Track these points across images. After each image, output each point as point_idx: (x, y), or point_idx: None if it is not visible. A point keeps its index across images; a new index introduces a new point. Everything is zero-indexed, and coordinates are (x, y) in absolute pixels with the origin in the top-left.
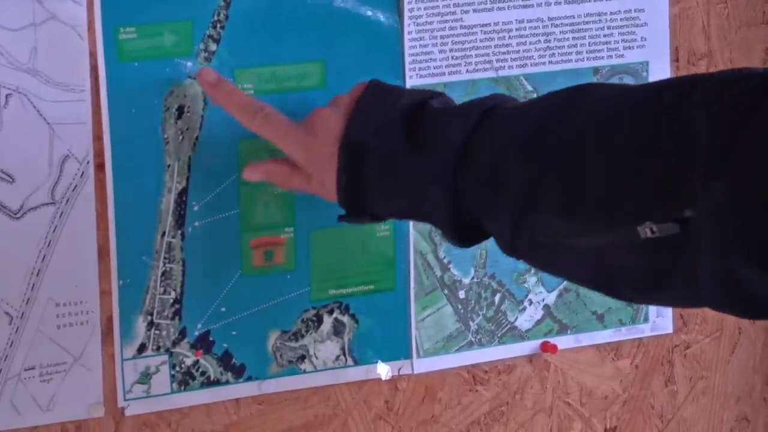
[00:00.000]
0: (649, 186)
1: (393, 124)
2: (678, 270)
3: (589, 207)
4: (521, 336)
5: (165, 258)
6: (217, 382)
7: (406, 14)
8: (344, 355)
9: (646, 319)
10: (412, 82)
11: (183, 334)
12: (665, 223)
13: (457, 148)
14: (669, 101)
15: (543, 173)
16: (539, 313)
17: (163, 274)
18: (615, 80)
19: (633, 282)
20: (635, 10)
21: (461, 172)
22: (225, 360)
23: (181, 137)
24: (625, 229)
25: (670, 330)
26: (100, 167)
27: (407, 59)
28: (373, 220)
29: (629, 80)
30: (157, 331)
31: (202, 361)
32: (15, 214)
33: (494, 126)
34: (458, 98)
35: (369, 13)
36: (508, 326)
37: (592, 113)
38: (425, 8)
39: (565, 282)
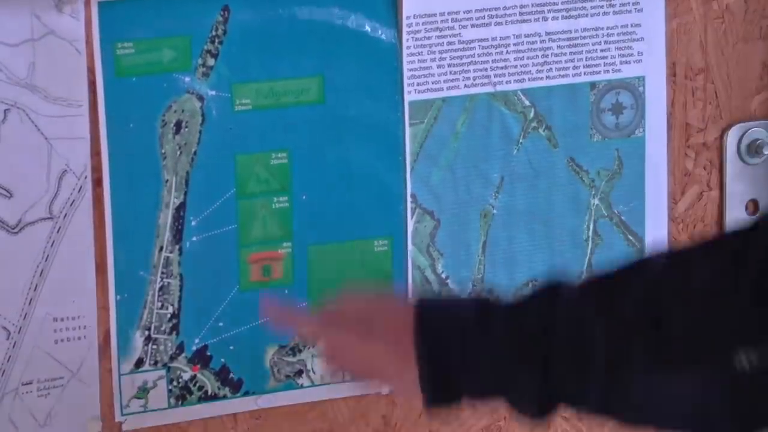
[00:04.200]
0: (736, 320)
1: (468, 339)
2: None
3: (678, 354)
4: None
5: (162, 273)
6: (214, 397)
7: (405, 29)
8: None
9: None
10: (410, 96)
11: (180, 348)
12: (758, 353)
13: (539, 329)
14: (736, 246)
15: (628, 333)
16: None
17: (160, 289)
18: (611, 95)
19: (731, 422)
20: (632, 25)
21: (546, 351)
22: (222, 375)
23: (178, 152)
24: (720, 367)
25: None
26: (98, 182)
27: (405, 74)
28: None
29: (626, 95)
30: (155, 346)
31: (199, 375)
32: (13, 228)
33: (570, 300)
34: (457, 114)
35: (367, 28)
36: None
37: (662, 270)
38: (423, 23)
39: None
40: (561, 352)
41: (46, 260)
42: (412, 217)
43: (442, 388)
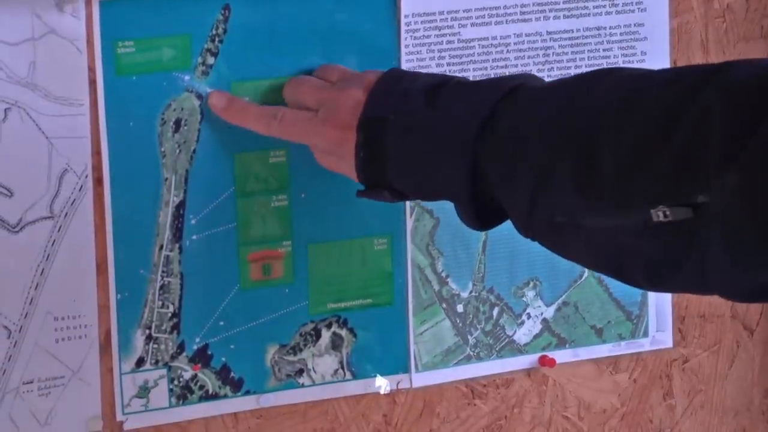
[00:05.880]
0: (663, 170)
1: (415, 97)
2: (689, 256)
3: (603, 188)
4: (519, 350)
5: (163, 272)
6: (215, 396)
7: (403, 28)
8: (343, 369)
9: (645, 334)
10: None
11: (181, 347)
12: (678, 208)
13: (479, 118)
14: (687, 86)
15: (561, 152)
16: (537, 327)
17: (161, 287)
18: None
19: (645, 267)
20: (635, 25)
21: (481, 143)
22: (223, 374)
23: (178, 151)
24: (639, 211)
25: (670, 345)
26: (98, 181)
27: None
28: (393, 197)
29: None
30: (156, 345)
31: (200, 374)
32: (13, 228)
33: (519, 101)
34: None
35: (366, 27)
36: (507, 340)
37: (610, 95)
38: (422, 22)
39: (563, 296)
40: (494, 152)
41: (46, 259)
42: (411, 216)
43: (377, 175)
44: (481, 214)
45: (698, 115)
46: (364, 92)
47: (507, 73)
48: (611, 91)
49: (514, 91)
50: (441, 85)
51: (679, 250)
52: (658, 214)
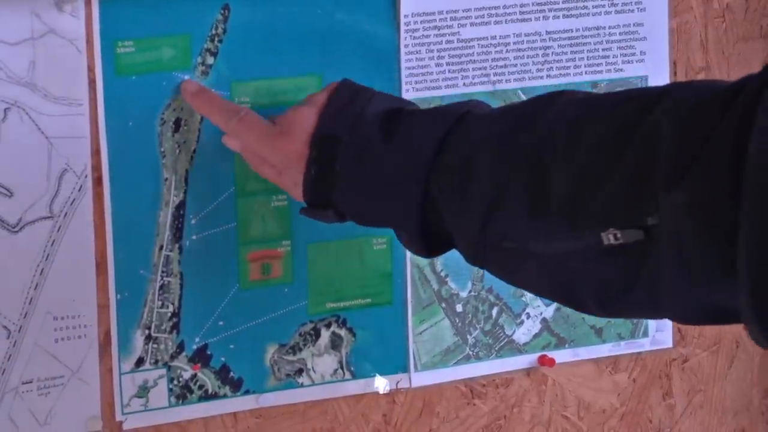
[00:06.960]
0: (613, 192)
1: (369, 121)
2: (641, 279)
3: (553, 211)
4: (519, 349)
5: (163, 272)
6: (214, 396)
7: (403, 28)
8: (342, 368)
9: (645, 334)
10: (408, 95)
11: (181, 347)
12: (629, 230)
13: (431, 147)
14: (635, 108)
15: (511, 175)
16: (537, 327)
17: (161, 287)
18: None
19: (596, 291)
20: (634, 24)
21: (433, 172)
22: (223, 373)
23: (178, 151)
24: (589, 234)
25: (669, 344)
26: (98, 181)
27: (404, 73)
28: (336, 218)
29: None
30: (155, 345)
31: (199, 374)
32: (13, 227)
33: (468, 128)
34: None
35: (366, 26)
36: (506, 340)
37: (559, 118)
38: (422, 22)
39: None
40: (445, 180)
41: (46, 259)
42: None
43: (324, 194)
44: (428, 242)
45: (647, 135)
46: (317, 111)
47: (506, 73)
48: (562, 111)
49: (462, 118)
50: (394, 114)
51: (631, 273)
52: (609, 237)
